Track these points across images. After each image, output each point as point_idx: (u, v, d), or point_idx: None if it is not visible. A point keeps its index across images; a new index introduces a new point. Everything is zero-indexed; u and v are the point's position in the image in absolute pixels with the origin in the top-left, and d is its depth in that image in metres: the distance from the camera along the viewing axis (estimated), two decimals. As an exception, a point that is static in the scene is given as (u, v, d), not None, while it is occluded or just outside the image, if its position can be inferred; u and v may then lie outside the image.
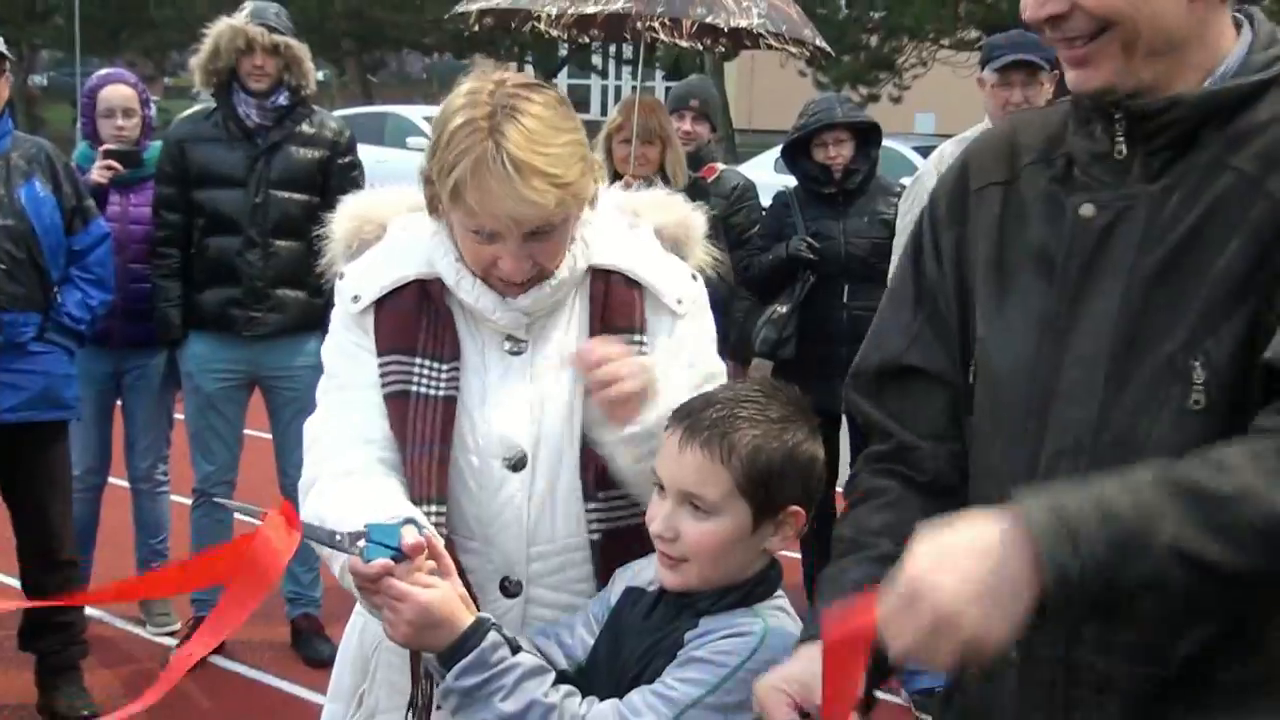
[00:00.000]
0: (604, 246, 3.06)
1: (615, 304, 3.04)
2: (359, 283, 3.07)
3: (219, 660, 7.22)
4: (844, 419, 7.55)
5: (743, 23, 6.85)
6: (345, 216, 3.21)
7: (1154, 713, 2.25)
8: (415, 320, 3.03)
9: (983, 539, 1.97)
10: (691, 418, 2.74)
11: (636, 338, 3.02)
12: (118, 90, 7.41)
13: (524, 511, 2.97)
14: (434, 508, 2.92)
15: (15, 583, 6.81)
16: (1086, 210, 2.33)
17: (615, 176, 7.01)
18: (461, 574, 2.82)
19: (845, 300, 7.48)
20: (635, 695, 2.68)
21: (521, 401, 3.00)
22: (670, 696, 2.64)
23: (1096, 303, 2.28)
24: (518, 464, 2.97)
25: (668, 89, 15.47)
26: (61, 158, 6.57)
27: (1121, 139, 2.30)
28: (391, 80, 58.30)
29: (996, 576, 1.94)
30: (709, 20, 6.78)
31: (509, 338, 3.03)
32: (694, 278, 3.17)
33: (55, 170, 6.40)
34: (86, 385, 6.88)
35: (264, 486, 7.27)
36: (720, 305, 7.18)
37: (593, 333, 3.01)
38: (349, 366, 3.09)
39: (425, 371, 2.99)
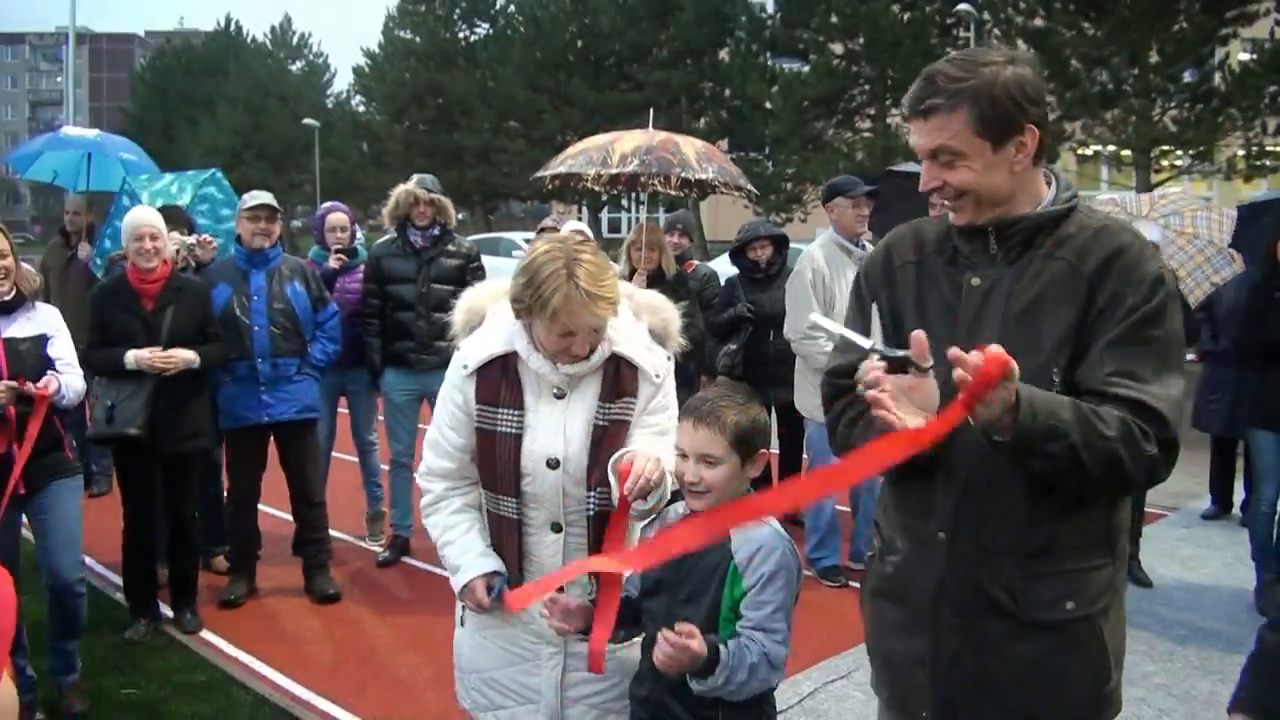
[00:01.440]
0: (620, 340, 3.05)
1: (622, 378, 3.04)
2: (468, 356, 3.09)
3: (409, 560, 7.33)
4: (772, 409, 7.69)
5: (703, 176, 6.84)
6: (460, 310, 3.22)
7: (1021, 564, 2.37)
8: (499, 382, 3.05)
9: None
10: (696, 411, 2.82)
11: (630, 401, 3.04)
12: (336, 216, 7.52)
13: (560, 490, 3.01)
14: (511, 498, 3.04)
15: (288, 516, 6.87)
16: (975, 281, 2.44)
17: (632, 270, 7.14)
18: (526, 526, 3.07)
19: (771, 340, 7.43)
20: (751, 618, 2.72)
21: (559, 429, 3.03)
22: (773, 604, 2.71)
23: (984, 335, 2.32)
24: (554, 464, 3.01)
25: (665, 216, 15.57)
26: (310, 270, 6.69)
27: (992, 240, 2.43)
28: (503, 218, 58.16)
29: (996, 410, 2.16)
30: (684, 175, 6.77)
31: (556, 389, 3.05)
32: (669, 359, 3.16)
33: (307, 277, 6.54)
34: (322, 392, 6.93)
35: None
36: (700, 344, 7.36)
37: (605, 393, 3.04)
38: (451, 418, 3.13)
39: (505, 416, 3.03)
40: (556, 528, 3.07)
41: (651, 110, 9.09)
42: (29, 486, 4.76)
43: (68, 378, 4.87)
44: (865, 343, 2.31)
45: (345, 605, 6.53)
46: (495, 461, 3.06)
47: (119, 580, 6.31)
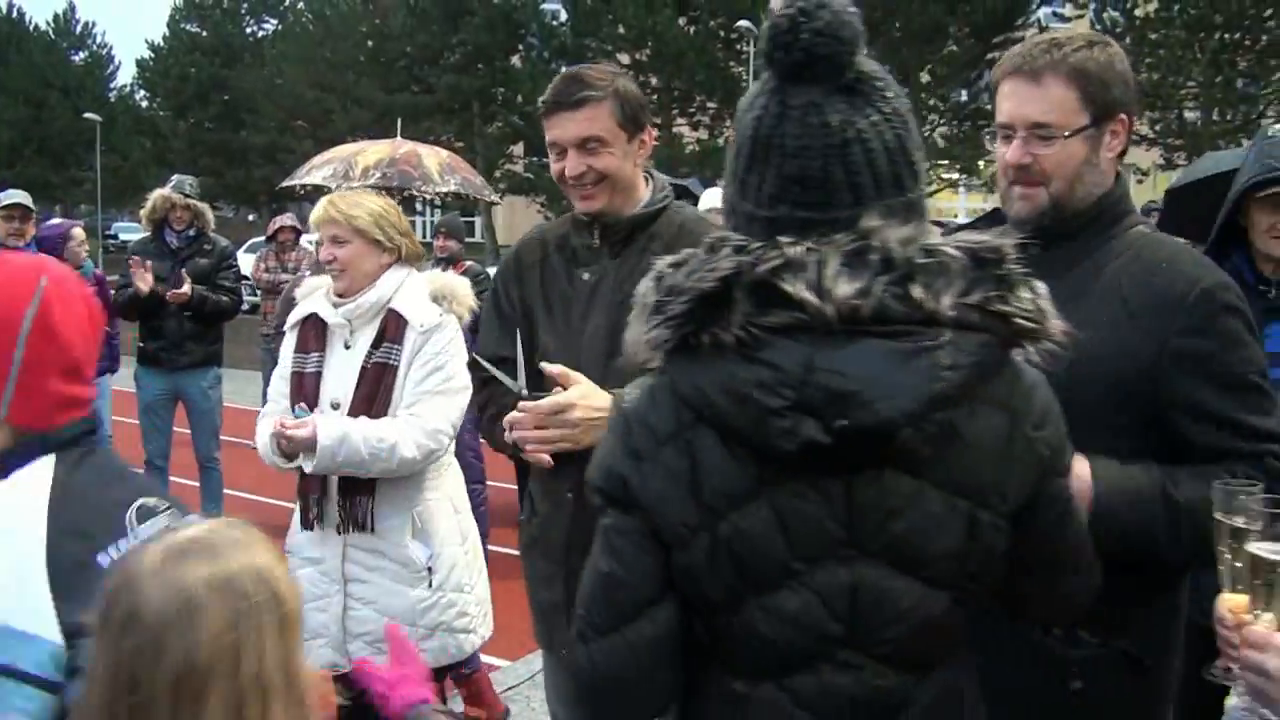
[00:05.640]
0: (396, 297, 3.46)
1: (388, 327, 3.44)
2: (288, 321, 3.69)
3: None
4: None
5: (445, 189, 7.03)
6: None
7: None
8: (307, 334, 3.57)
9: None
10: None
11: (393, 346, 3.44)
12: (76, 231, 7.63)
13: None
14: None
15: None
16: (585, 275, 2.78)
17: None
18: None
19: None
20: None
21: (343, 375, 3.47)
22: None
23: (594, 321, 2.71)
24: (335, 405, 3.47)
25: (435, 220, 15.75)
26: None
27: (597, 237, 2.78)
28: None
29: None
30: (424, 189, 6.96)
31: (346, 341, 3.51)
32: (440, 316, 3.49)
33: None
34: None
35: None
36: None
37: (375, 341, 3.45)
38: (279, 382, 3.66)
39: (311, 359, 3.53)
40: None
41: (400, 120, 9.31)
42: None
43: None
44: (515, 386, 2.64)
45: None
46: (305, 394, 3.54)
47: None
